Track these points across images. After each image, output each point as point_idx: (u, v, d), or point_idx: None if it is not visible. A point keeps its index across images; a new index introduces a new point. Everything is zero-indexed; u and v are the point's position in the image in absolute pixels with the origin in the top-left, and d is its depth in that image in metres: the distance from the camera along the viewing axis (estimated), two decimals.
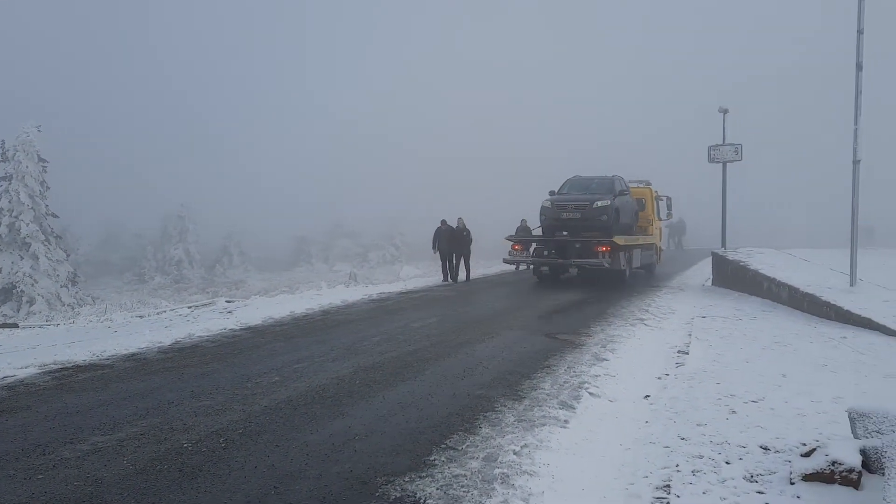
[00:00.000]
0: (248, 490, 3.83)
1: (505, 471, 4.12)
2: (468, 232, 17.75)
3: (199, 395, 5.90)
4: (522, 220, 21.24)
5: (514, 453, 4.41)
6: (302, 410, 5.41)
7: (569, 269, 17.15)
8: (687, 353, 7.70)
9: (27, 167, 27.41)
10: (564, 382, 6.37)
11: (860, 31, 10.48)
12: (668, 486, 3.87)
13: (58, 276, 27.32)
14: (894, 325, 8.43)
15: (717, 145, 16.34)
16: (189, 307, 13.82)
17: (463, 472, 4.08)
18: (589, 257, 15.21)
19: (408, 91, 73.53)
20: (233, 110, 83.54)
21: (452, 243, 17.74)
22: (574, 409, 5.53)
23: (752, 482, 3.85)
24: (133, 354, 7.80)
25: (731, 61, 58.68)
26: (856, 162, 10.59)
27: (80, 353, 7.73)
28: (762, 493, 3.72)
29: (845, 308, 9.54)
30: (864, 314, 9.10)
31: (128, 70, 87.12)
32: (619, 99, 62.25)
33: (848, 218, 10.90)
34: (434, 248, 18.30)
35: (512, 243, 17.26)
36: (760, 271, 13.19)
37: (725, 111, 16.41)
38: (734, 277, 14.83)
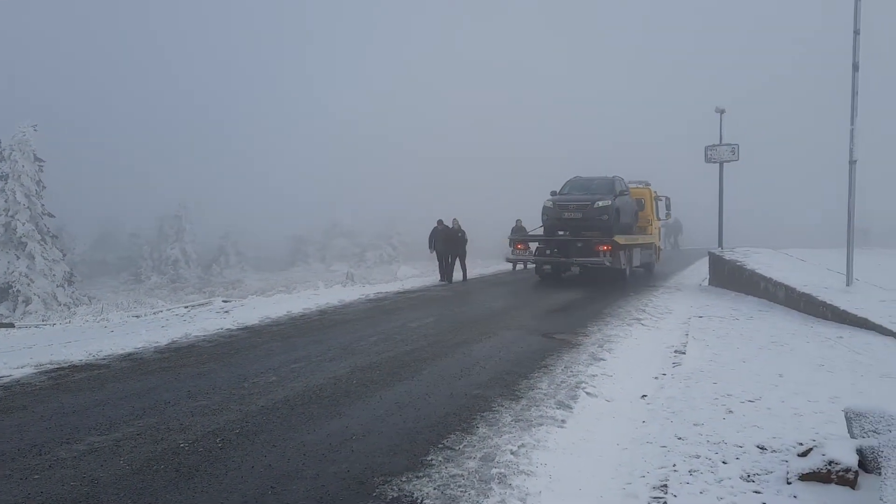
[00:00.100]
0: (244, 490, 3.82)
1: (502, 471, 4.11)
2: (463, 232, 17.79)
3: (196, 395, 5.89)
4: (517, 220, 21.46)
5: (512, 453, 4.41)
6: (299, 410, 5.41)
7: (571, 268, 17.45)
8: (684, 353, 7.70)
9: (23, 166, 27.32)
10: (562, 382, 6.37)
11: (856, 32, 10.52)
12: (665, 485, 3.87)
13: (54, 275, 27.25)
14: (890, 325, 8.44)
15: (713, 145, 16.40)
16: (186, 307, 13.79)
17: (460, 472, 4.08)
18: (590, 256, 15.51)
19: (408, 91, 73.57)
20: (231, 110, 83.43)
21: (448, 243, 17.75)
22: (571, 408, 5.53)
23: (748, 482, 3.86)
24: (129, 354, 7.78)
25: (730, 61, 58.86)
26: (852, 162, 10.62)
27: (77, 353, 7.72)
28: (759, 492, 3.72)
29: (842, 308, 9.55)
30: (861, 314, 9.12)
31: (125, 69, 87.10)
32: (618, 99, 62.36)
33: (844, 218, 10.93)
34: (431, 248, 18.33)
35: (515, 242, 17.64)
36: (757, 271, 13.21)
37: (722, 111, 16.47)
38: (731, 277, 14.85)
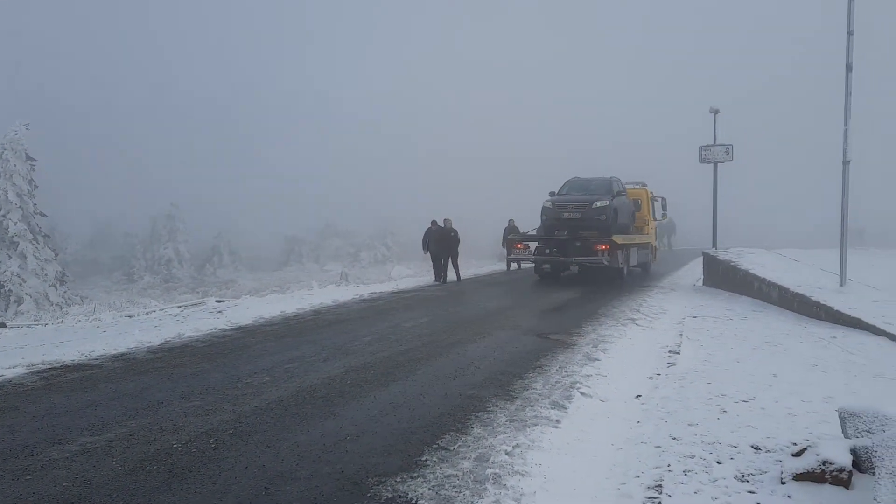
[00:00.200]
0: (238, 491, 3.80)
1: (497, 471, 4.11)
2: (455, 232, 17.81)
3: (189, 396, 5.86)
4: (510, 220, 21.58)
5: (506, 453, 4.41)
6: (293, 411, 5.38)
7: (570, 267, 17.79)
8: (678, 353, 7.71)
9: (15, 165, 27.17)
10: (556, 382, 6.37)
11: (850, 33, 10.57)
12: (660, 485, 3.87)
13: (46, 275, 27.10)
14: (884, 325, 8.48)
15: (707, 146, 16.46)
16: (179, 307, 13.73)
17: (455, 473, 4.07)
18: (589, 255, 15.75)
19: (407, 91, 73.50)
20: (225, 109, 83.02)
21: (441, 244, 17.76)
22: (566, 409, 5.53)
23: (743, 482, 3.86)
24: (122, 354, 7.74)
25: (730, 61, 59.05)
26: (845, 162, 10.66)
27: (69, 353, 7.67)
28: (753, 492, 3.72)
29: (835, 308, 9.59)
30: (854, 314, 9.15)
31: (117, 68, 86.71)
32: (618, 99, 62.50)
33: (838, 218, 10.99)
34: (424, 248, 18.34)
35: (515, 242, 17.95)
36: (751, 271, 13.25)
37: (716, 112, 16.52)
38: (725, 277, 14.90)
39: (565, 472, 4.18)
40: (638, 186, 20.07)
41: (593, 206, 16.11)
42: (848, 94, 10.61)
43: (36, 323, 14.89)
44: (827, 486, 3.59)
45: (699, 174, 17.82)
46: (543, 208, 17.13)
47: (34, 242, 27.28)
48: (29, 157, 28.11)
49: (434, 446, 4.54)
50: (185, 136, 68.61)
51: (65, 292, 27.95)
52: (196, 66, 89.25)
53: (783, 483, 3.72)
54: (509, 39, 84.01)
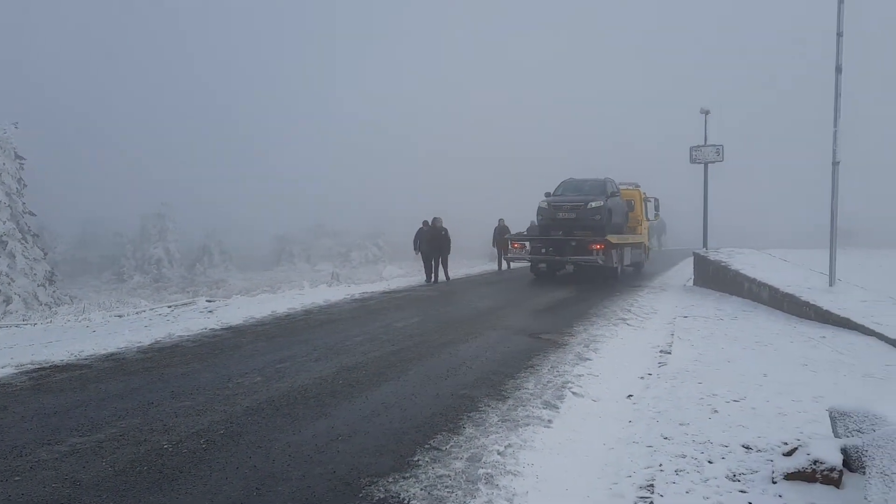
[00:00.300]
0: (229, 492, 3.78)
1: (489, 471, 4.10)
2: (446, 231, 17.81)
3: (180, 396, 5.83)
4: (500, 219, 21.69)
5: (499, 453, 4.40)
6: (284, 411, 5.36)
7: (565, 266, 18.19)
8: (669, 353, 7.73)
9: (4, 164, 26.98)
10: (548, 382, 6.37)
11: (839, 34, 10.64)
12: (652, 485, 3.87)
13: (35, 274, 26.91)
14: (872, 325, 8.53)
15: (698, 146, 16.57)
16: (169, 306, 13.65)
17: (447, 473, 4.06)
18: (584, 254, 16.03)
19: (407, 91, 73.52)
20: (224, 108, 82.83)
21: (433, 244, 17.75)
22: (558, 408, 5.53)
23: (734, 481, 3.87)
24: (112, 354, 7.69)
25: (730, 61, 59.36)
26: (835, 163, 10.73)
27: (58, 353, 7.61)
28: (745, 492, 3.73)
29: (825, 308, 9.64)
30: (843, 314, 9.21)
31: (106, 67, 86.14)
32: (618, 99, 62.78)
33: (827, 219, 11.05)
34: (416, 249, 18.34)
35: (512, 242, 18.23)
36: (741, 272, 13.31)
37: (707, 112, 16.64)
38: (715, 277, 14.97)
39: (557, 471, 4.18)
40: (631, 187, 20.33)
41: (588, 206, 16.39)
42: (837, 95, 10.68)
43: (25, 323, 14.76)
44: (818, 486, 3.60)
45: (692, 175, 17.95)
46: (539, 208, 17.45)
47: (23, 242, 27.09)
48: (18, 156, 27.93)
49: (426, 446, 4.54)
50: (180, 136, 68.47)
51: (54, 292, 27.78)
52: (194, 66, 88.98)
53: (774, 482, 3.73)
54: (509, 39, 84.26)
